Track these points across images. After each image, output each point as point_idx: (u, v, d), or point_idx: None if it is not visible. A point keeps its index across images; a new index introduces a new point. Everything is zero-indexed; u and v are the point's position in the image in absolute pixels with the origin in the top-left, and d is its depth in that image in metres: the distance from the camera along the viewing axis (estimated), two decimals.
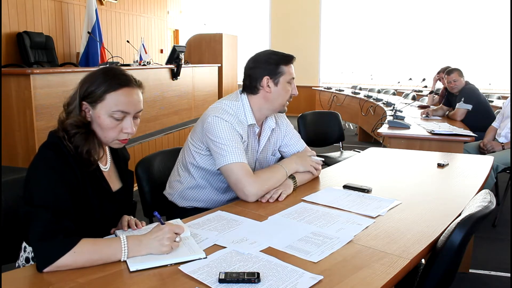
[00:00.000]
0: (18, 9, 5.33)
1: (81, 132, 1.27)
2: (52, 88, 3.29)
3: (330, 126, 3.79)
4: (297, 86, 1.89)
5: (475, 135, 3.22)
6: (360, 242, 1.31)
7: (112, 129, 1.31)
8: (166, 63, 5.42)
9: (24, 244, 1.35)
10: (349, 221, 1.47)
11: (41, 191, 1.18)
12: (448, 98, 4.54)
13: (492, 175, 3.10)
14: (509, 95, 4.02)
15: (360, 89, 8.17)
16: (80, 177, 1.27)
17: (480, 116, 4.05)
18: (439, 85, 5.34)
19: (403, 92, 7.59)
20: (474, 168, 2.21)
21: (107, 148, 1.44)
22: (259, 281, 1.05)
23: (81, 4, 6.31)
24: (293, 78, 1.85)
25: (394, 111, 4.18)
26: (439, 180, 2.06)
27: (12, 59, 5.20)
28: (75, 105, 1.30)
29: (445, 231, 1.29)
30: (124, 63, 5.24)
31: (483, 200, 1.34)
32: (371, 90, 7.44)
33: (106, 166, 1.42)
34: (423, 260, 1.43)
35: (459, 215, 1.36)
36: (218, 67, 7.08)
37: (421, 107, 5.13)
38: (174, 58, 5.35)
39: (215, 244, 1.28)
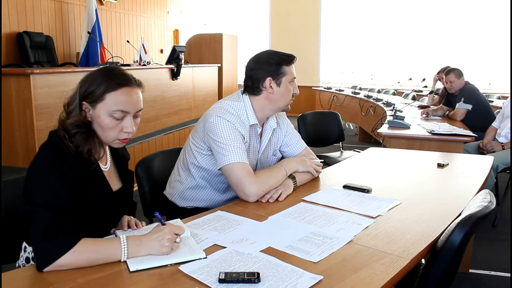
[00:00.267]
0: (18, 9, 5.33)
1: (82, 132, 1.27)
2: (52, 88, 3.29)
3: (330, 126, 3.79)
4: (297, 86, 1.90)
5: (475, 135, 3.22)
6: (360, 242, 1.31)
7: (112, 129, 1.31)
8: (166, 63, 5.42)
9: (24, 244, 1.35)
10: (349, 221, 1.47)
11: (41, 191, 1.18)
12: (448, 98, 4.54)
13: (492, 175, 3.10)
14: (509, 95, 4.02)
15: (360, 89, 8.16)
16: (80, 177, 1.27)
17: (480, 116, 4.05)
18: (439, 85, 5.34)
19: (403, 92, 7.59)
20: (474, 168, 2.21)
21: (107, 148, 1.44)
22: (259, 281, 1.05)
23: (81, 4, 6.31)
24: (295, 78, 1.85)
25: (394, 111, 4.17)
26: (439, 180, 2.06)
27: (12, 59, 5.20)
28: (75, 105, 1.30)
29: (445, 231, 1.29)
30: (124, 63, 5.24)
31: (483, 200, 1.34)
32: (371, 90, 7.44)
33: (106, 166, 1.42)
34: (423, 260, 1.43)
35: (459, 215, 1.36)
36: (218, 67, 7.08)
37: (421, 107, 5.13)
38: (174, 58, 5.35)
39: (215, 244, 1.28)
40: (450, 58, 8.30)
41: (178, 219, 1.46)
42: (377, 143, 5.76)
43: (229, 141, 1.70)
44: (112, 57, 5.82)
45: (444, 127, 3.46)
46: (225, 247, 1.26)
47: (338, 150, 3.82)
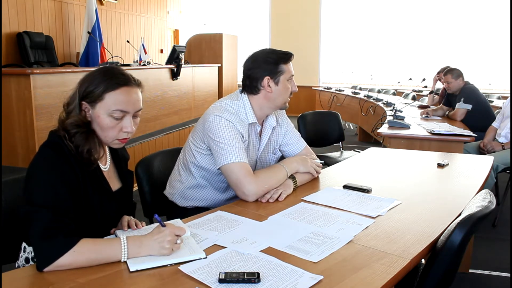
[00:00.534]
0: (18, 9, 5.33)
1: (82, 132, 1.27)
2: (52, 88, 3.29)
3: (330, 126, 3.79)
4: (297, 86, 1.90)
5: (475, 135, 3.22)
6: (360, 242, 1.31)
7: (112, 129, 1.31)
8: (166, 63, 5.42)
9: (24, 244, 1.35)
10: (349, 221, 1.47)
11: (41, 191, 1.18)
12: (448, 98, 4.53)
13: (492, 175, 3.10)
14: (509, 95, 4.01)
15: (360, 89, 8.16)
16: (80, 177, 1.27)
17: (480, 116, 4.05)
18: (439, 85, 5.34)
19: (403, 92, 7.59)
20: (474, 168, 2.21)
21: (107, 148, 1.44)
22: (259, 281, 1.05)
23: (81, 4, 6.31)
24: (293, 75, 1.85)
25: (394, 111, 4.17)
26: (439, 180, 2.06)
27: (12, 59, 5.20)
28: (74, 105, 1.30)
29: (445, 231, 1.29)
30: (124, 63, 5.24)
31: (483, 200, 1.34)
32: (371, 90, 7.44)
33: (106, 166, 1.42)
34: (423, 260, 1.43)
35: (459, 215, 1.36)
36: (218, 67, 7.08)
37: (421, 107, 5.13)
38: (174, 58, 5.35)
39: (215, 244, 1.28)
40: (450, 58, 8.30)
41: (178, 219, 1.46)
42: (377, 143, 5.75)
43: (228, 141, 1.70)
44: (112, 57, 5.82)
45: (444, 127, 3.46)
46: (225, 247, 1.26)
47: (338, 150, 3.82)
